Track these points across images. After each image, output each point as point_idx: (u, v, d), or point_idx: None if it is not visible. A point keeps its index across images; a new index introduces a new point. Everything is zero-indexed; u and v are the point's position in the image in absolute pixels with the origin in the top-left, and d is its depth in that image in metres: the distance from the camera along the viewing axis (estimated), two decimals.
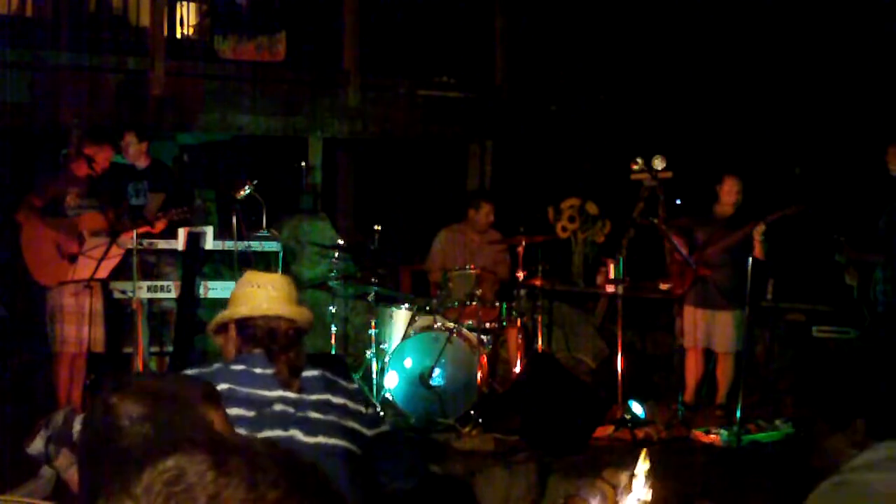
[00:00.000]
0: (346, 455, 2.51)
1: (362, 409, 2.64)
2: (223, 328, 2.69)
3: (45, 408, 5.26)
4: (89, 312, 5.98)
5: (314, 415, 2.51)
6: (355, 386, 2.75)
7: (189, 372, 2.54)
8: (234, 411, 2.37)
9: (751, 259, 5.83)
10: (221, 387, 2.39)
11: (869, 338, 6.44)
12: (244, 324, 2.64)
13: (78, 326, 5.96)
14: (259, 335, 2.61)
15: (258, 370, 2.54)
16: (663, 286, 6.82)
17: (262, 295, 2.66)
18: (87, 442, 1.61)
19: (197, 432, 1.63)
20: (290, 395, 2.51)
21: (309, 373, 2.60)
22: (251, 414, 2.44)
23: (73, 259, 5.95)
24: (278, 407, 2.48)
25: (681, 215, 6.93)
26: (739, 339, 6.54)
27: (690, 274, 6.55)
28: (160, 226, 6.14)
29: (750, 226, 6.36)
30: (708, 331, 6.58)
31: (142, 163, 6.75)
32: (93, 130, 6.36)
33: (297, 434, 2.46)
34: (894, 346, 6.23)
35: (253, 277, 2.75)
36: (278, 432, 2.44)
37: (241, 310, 2.65)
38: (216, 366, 2.57)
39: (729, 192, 6.64)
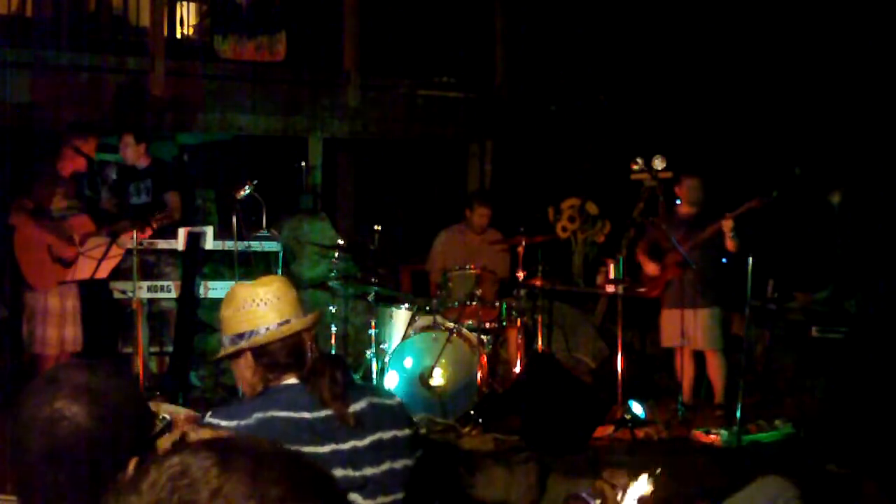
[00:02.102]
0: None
1: (408, 431, 2.41)
2: (235, 355, 2.40)
3: None
4: (71, 313, 5.99)
5: (370, 471, 2.29)
6: (396, 401, 2.47)
7: (224, 423, 2.21)
8: None
9: (750, 259, 5.83)
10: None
11: (855, 341, 6.52)
12: (261, 350, 2.35)
13: (59, 328, 5.97)
14: (286, 360, 2.34)
15: (307, 415, 2.27)
16: (639, 291, 6.87)
17: (272, 312, 2.37)
18: (40, 452, 1.51)
19: (143, 419, 1.61)
20: (344, 447, 2.26)
21: (356, 406, 2.33)
22: None
23: (64, 263, 5.93)
24: (338, 472, 2.22)
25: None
26: (722, 335, 6.66)
27: (668, 274, 6.63)
28: (149, 231, 6.06)
29: (717, 222, 6.41)
30: (690, 330, 6.57)
31: (142, 163, 6.76)
32: (74, 125, 6.38)
33: (357, 499, 2.27)
34: (878, 351, 6.29)
35: (250, 291, 2.40)
36: None
37: (258, 337, 2.35)
38: (256, 416, 2.24)
39: (689, 192, 6.70)
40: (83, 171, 6.27)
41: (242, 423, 2.22)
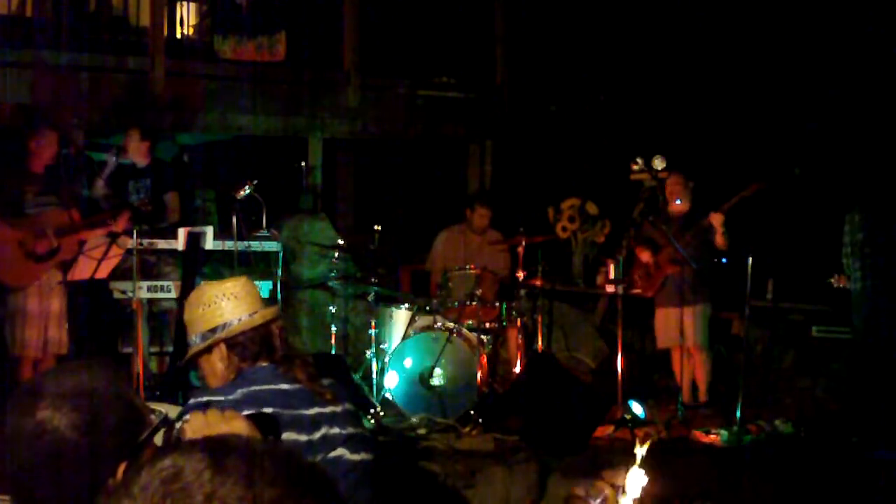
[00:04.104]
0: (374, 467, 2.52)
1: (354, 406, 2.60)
2: (207, 350, 2.53)
3: None
4: (56, 315, 5.90)
5: (351, 429, 2.46)
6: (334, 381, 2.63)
7: (214, 399, 2.31)
8: (287, 436, 2.27)
9: (750, 259, 5.83)
10: (266, 412, 2.24)
11: (858, 339, 6.51)
12: (234, 340, 2.50)
13: (40, 330, 5.86)
14: (258, 348, 2.50)
15: (286, 386, 2.43)
16: (634, 291, 6.88)
17: (241, 305, 2.53)
18: (26, 464, 1.49)
19: (131, 422, 1.57)
20: (326, 410, 2.43)
21: (325, 381, 2.53)
22: (304, 438, 2.34)
23: (38, 258, 5.84)
24: (324, 428, 2.40)
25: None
26: (708, 333, 6.70)
27: (664, 272, 6.63)
28: (122, 222, 5.87)
29: (708, 218, 6.44)
30: (680, 328, 6.57)
31: (142, 161, 6.75)
32: (34, 122, 6.37)
33: (345, 453, 2.41)
34: (881, 347, 6.29)
35: (216, 290, 2.56)
36: (327, 454, 2.37)
37: (232, 328, 2.50)
38: (240, 391, 2.38)
39: (672, 190, 6.72)
40: (53, 163, 6.19)
41: (230, 397, 2.34)
